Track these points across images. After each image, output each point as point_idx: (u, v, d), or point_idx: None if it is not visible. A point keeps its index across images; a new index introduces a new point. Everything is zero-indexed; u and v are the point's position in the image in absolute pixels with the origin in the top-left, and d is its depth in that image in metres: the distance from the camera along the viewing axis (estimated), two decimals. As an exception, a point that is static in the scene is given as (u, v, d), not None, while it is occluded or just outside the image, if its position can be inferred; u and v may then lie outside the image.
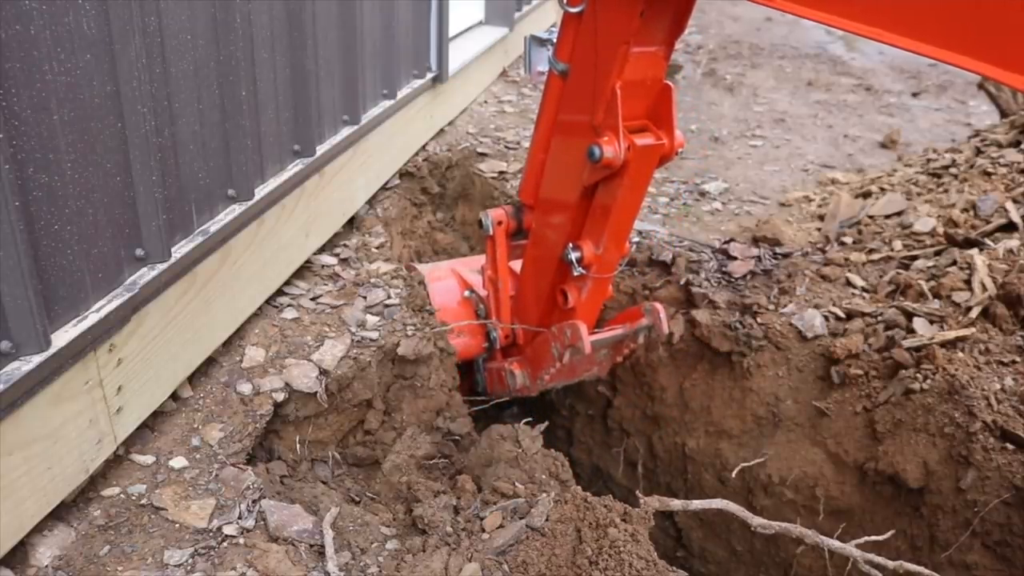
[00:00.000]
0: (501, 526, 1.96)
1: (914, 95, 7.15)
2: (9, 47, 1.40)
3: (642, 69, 2.08)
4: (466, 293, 3.08)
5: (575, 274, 2.49)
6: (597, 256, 2.46)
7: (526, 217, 2.78)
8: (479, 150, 4.47)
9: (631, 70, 2.06)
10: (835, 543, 2.24)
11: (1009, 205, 3.48)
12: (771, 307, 3.21)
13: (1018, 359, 2.76)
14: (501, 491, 2.11)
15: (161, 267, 1.89)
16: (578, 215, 2.47)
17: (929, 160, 4.53)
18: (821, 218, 4.18)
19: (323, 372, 2.40)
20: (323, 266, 2.97)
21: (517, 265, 2.92)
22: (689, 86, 6.84)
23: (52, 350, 1.55)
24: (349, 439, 2.60)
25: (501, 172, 4.27)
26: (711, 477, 3.37)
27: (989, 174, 3.85)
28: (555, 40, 2.35)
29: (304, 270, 2.87)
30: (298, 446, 2.40)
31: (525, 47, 2.63)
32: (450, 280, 3.13)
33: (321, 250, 3.02)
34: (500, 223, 2.78)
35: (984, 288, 3.00)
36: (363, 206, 3.45)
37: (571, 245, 2.48)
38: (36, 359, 1.52)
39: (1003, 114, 4.94)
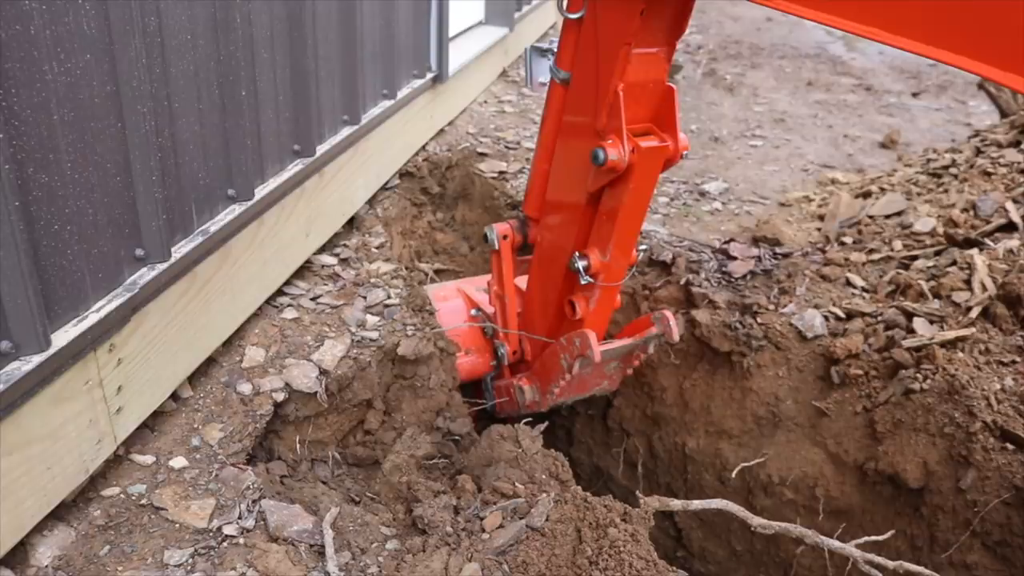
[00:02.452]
0: (501, 526, 1.96)
1: (914, 95, 7.15)
2: (9, 47, 1.40)
3: (644, 71, 2.08)
4: (472, 311, 3.07)
5: (582, 283, 2.46)
6: (604, 264, 2.43)
7: (531, 231, 2.76)
8: (479, 150, 4.47)
9: (633, 72, 2.06)
10: (835, 543, 2.25)
11: (1009, 205, 3.48)
12: (771, 307, 3.21)
13: (1018, 359, 2.76)
14: (501, 491, 2.11)
15: (161, 267, 1.89)
16: (584, 222, 2.45)
17: (929, 160, 4.53)
18: (821, 218, 4.18)
19: (323, 372, 2.40)
20: (323, 266, 2.97)
21: (522, 281, 2.89)
22: (689, 86, 6.84)
23: (52, 350, 1.55)
24: (349, 439, 2.60)
25: (501, 172, 4.27)
26: (711, 477, 3.36)
27: (989, 174, 3.85)
28: (555, 50, 2.34)
29: (304, 270, 2.88)
30: (298, 446, 2.40)
31: (526, 58, 2.63)
32: (456, 300, 3.12)
33: (321, 250, 3.02)
34: (506, 237, 2.76)
35: (984, 288, 3.00)
36: (363, 206, 3.45)
37: (577, 254, 2.46)
38: (36, 359, 1.52)
39: (1003, 114, 4.94)
